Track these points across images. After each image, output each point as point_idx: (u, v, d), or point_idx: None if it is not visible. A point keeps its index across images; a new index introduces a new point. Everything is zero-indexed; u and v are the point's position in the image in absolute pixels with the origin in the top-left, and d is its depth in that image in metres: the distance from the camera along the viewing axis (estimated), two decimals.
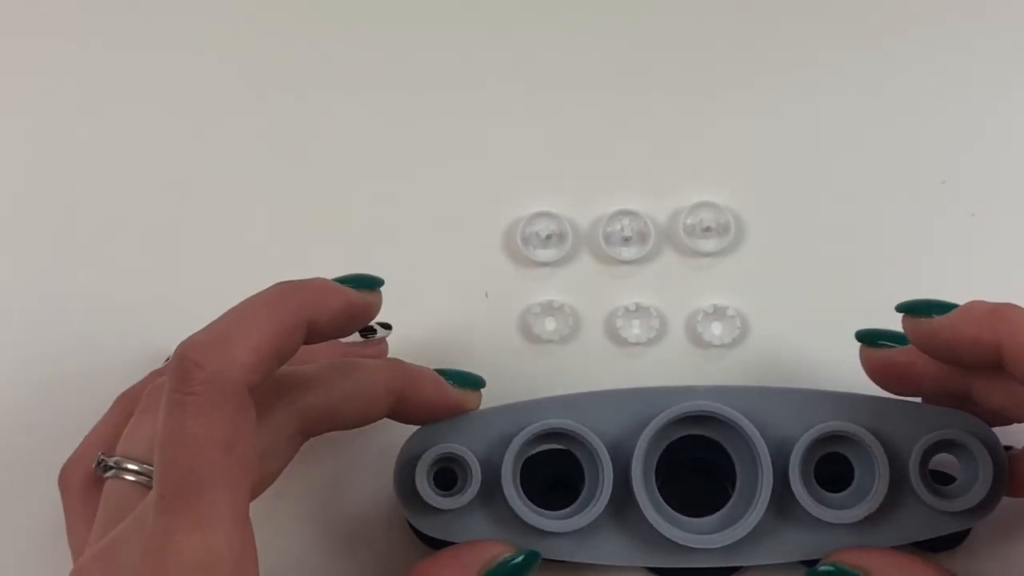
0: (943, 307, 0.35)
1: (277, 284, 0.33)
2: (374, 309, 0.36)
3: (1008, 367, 0.33)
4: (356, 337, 0.41)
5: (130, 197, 0.47)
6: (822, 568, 0.37)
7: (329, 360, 0.36)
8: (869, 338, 0.37)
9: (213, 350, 0.30)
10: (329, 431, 0.36)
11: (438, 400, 0.38)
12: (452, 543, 0.40)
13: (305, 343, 0.33)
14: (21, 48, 0.49)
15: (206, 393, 0.30)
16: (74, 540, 0.37)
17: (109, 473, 0.34)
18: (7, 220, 0.47)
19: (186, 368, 0.30)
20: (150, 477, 0.33)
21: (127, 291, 0.46)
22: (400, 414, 0.37)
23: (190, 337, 0.31)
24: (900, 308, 0.37)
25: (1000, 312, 0.33)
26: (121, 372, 0.42)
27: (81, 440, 0.39)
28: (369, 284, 0.36)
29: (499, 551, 0.36)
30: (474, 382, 0.39)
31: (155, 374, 0.40)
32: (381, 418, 0.37)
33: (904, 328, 0.36)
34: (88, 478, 0.38)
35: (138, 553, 0.30)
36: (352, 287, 0.35)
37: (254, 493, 0.34)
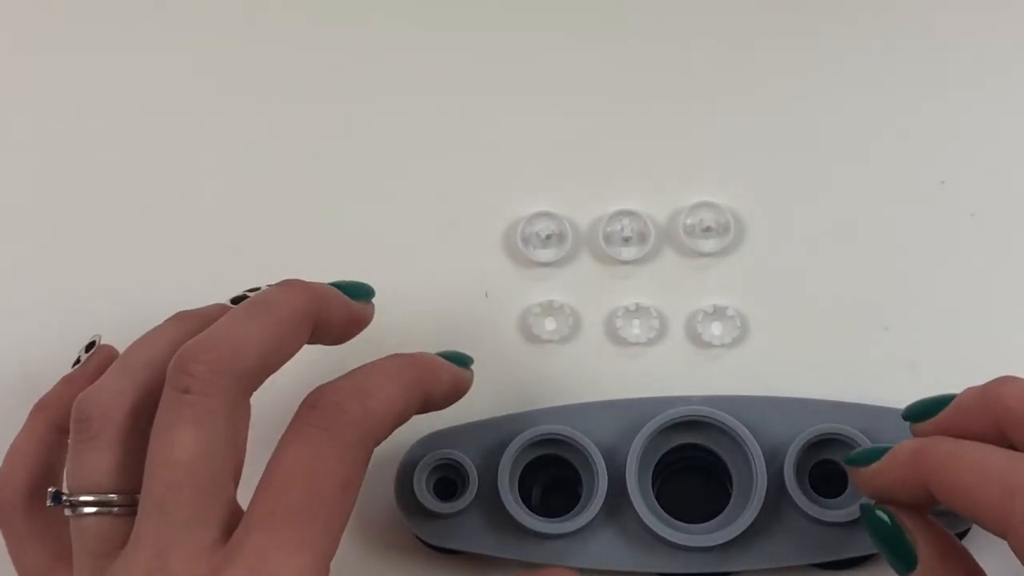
0: (878, 453, 0.35)
1: (407, 356, 0.36)
2: (466, 383, 0.38)
3: (943, 504, 0.33)
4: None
5: (125, 197, 0.47)
6: (880, 511, 0.35)
7: (241, 307, 0.34)
8: (849, 462, 0.37)
9: (355, 397, 0.32)
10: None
11: (347, 317, 0.37)
12: (452, 550, 0.40)
13: (419, 412, 0.36)
14: (21, 47, 0.49)
15: (347, 432, 0.32)
16: (24, 563, 0.36)
17: (72, 511, 0.33)
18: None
19: (327, 407, 0.32)
20: (112, 507, 0.32)
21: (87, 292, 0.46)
22: (314, 340, 0.36)
23: (332, 381, 0.33)
24: (845, 460, 0.37)
25: (923, 452, 0.33)
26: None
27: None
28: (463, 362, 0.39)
29: None
30: (366, 291, 0.38)
31: (67, 380, 0.39)
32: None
33: (850, 478, 0.37)
34: (26, 498, 0.37)
35: (202, 566, 0.30)
36: (453, 363, 0.38)
37: None
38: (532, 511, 0.40)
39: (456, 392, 0.37)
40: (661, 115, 0.47)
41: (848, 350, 0.45)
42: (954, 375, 0.42)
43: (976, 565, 0.33)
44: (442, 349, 0.38)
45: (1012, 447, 0.33)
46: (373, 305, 0.38)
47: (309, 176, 0.47)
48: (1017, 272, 0.45)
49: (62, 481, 0.38)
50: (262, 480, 0.31)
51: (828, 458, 0.40)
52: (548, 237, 0.46)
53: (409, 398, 0.34)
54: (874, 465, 0.35)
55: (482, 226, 0.46)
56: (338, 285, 0.37)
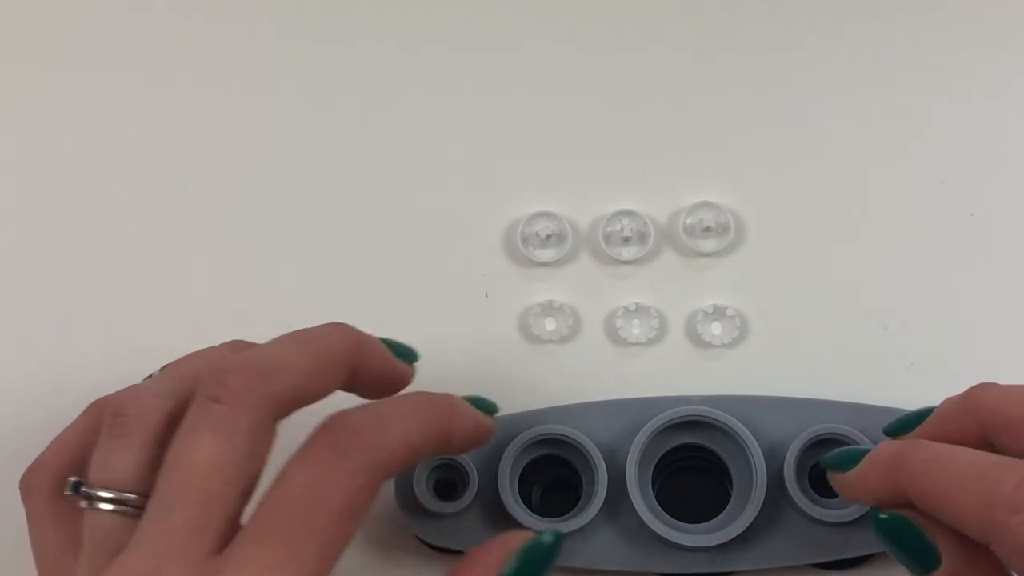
0: (857, 455, 0.35)
1: (431, 395, 0.35)
2: (489, 432, 0.38)
3: (923, 510, 0.33)
4: None
5: (125, 200, 0.47)
6: (892, 515, 0.34)
7: (287, 336, 0.35)
8: (827, 466, 0.37)
9: (371, 426, 0.32)
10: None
11: (386, 371, 0.37)
12: (452, 550, 0.40)
13: (435, 453, 0.36)
14: (21, 46, 0.49)
15: (358, 459, 0.31)
16: (41, 550, 0.36)
17: (88, 504, 0.33)
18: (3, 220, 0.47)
19: (341, 431, 0.32)
20: (127, 506, 0.32)
21: (110, 295, 0.46)
22: (350, 385, 0.36)
23: (350, 409, 0.33)
24: (822, 464, 0.37)
25: (902, 456, 0.33)
26: (94, 377, 0.42)
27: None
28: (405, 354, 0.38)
29: (523, 537, 0.36)
30: (410, 354, 0.38)
31: (133, 389, 0.38)
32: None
33: (832, 484, 0.37)
34: (55, 486, 0.37)
35: (193, 572, 0.30)
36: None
37: None
38: (532, 511, 0.40)
39: (477, 439, 0.37)
40: (661, 115, 0.47)
41: (848, 350, 0.45)
42: (954, 375, 0.42)
43: (998, 560, 0.33)
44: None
45: (995, 451, 0.33)
46: (414, 369, 0.38)
47: (309, 176, 0.47)
48: (1017, 272, 0.45)
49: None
50: (264, 496, 0.31)
51: None
52: (548, 237, 0.46)
53: (427, 435, 0.34)
54: (854, 471, 0.35)
55: (482, 226, 0.46)
56: (385, 341, 0.37)
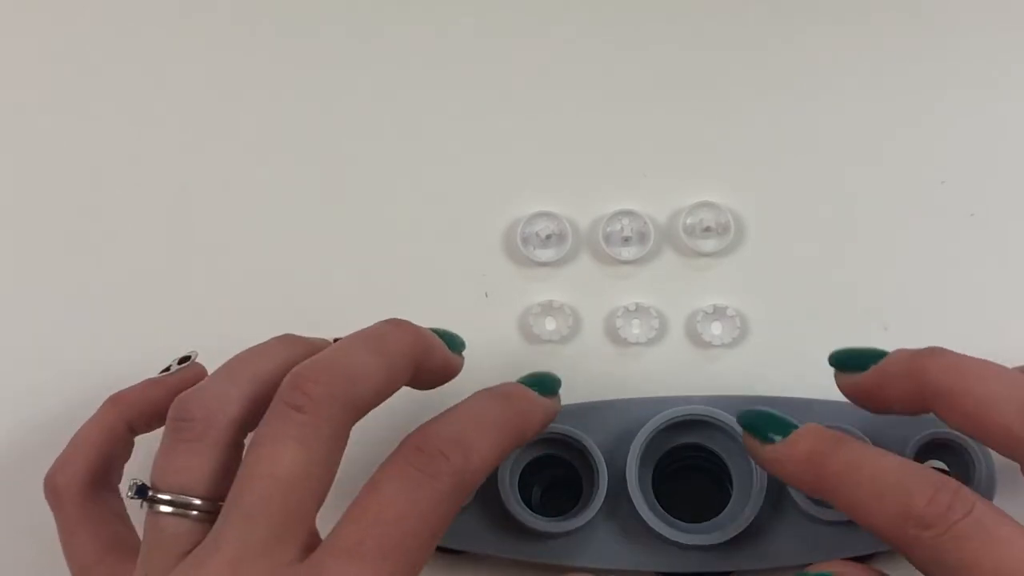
0: (868, 357, 0.35)
1: (506, 399, 0.35)
2: (554, 414, 0.38)
3: (936, 415, 0.33)
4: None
5: (130, 198, 0.47)
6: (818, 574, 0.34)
7: (357, 339, 0.35)
8: (838, 363, 0.36)
9: (458, 447, 0.32)
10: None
11: (444, 364, 0.37)
12: (452, 550, 0.40)
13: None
14: (20, 45, 0.49)
15: (448, 482, 0.32)
16: (75, 550, 0.36)
17: (150, 506, 0.33)
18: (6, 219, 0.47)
19: (432, 452, 0.32)
20: (194, 510, 0.32)
21: (121, 294, 0.46)
22: (413, 382, 0.36)
23: (433, 424, 0.33)
24: (831, 361, 0.37)
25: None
26: (108, 377, 0.42)
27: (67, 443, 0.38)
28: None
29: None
30: (460, 344, 0.39)
31: (151, 383, 0.39)
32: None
33: (836, 382, 0.36)
34: (85, 486, 0.37)
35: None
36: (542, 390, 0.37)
37: None
38: (533, 510, 0.40)
39: (546, 426, 0.37)
40: (661, 115, 0.48)
41: None
42: None
43: None
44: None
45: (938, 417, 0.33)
46: (463, 359, 0.38)
47: (309, 176, 0.47)
48: (1016, 272, 0.45)
49: (120, 475, 0.39)
50: (355, 507, 0.31)
51: None
52: (548, 237, 0.46)
53: (505, 448, 0.34)
54: (867, 374, 0.34)
55: (482, 226, 0.46)
56: (436, 332, 0.37)
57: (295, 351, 0.35)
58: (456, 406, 0.35)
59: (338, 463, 0.32)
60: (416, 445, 0.32)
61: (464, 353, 0.39)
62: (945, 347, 0.33)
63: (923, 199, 0.46)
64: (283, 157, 0.48)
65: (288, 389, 0.32)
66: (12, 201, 0.48)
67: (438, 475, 0.32)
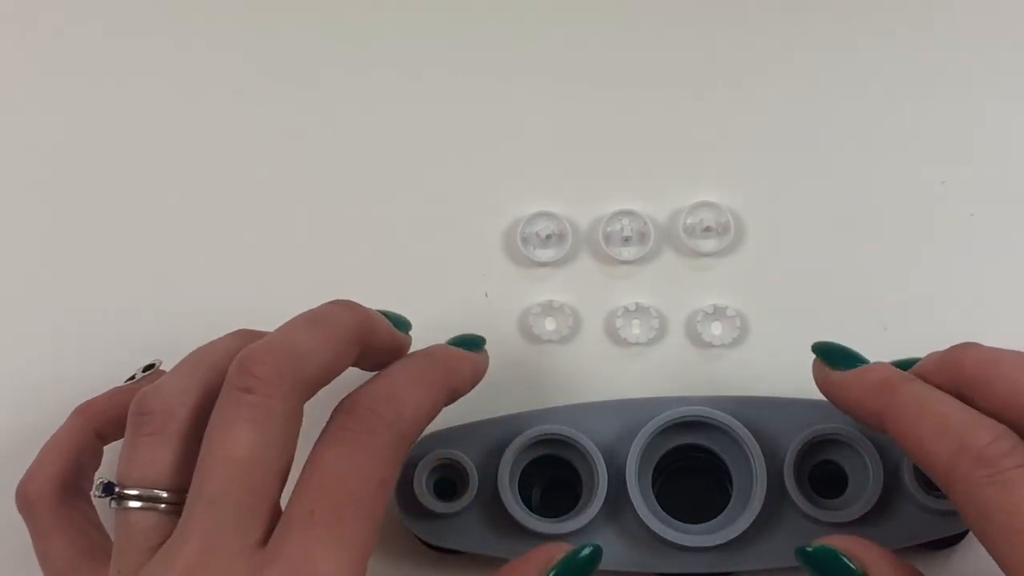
0: (850, 360, 0.36)
1: (429, 356, 0.37)
2: (484, 367, 0.40)
3: (893, 438, 0.34)
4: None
5: (112, 207, 0.47)
6: (819, 547, 0.35)
7: (300, 319, 0.35)
8: (818, 352, 0.37)
9: (388, 403, 0.33)
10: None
11: (390, 343, 0.37)
12: (452, 550, 0.40)
13: (446, 405, 0.37)
14: (21, 44, 0.49)
15: (383, 436, 0.33)
16: (50, 558, 0.36)
17: (118, 503, 0.33)
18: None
19: (362, 412, 0.33)
20: (161, 503, 0.33)
21: (92, 306, 0.46)
22: (362, 361, 0.37)
23: (361, 388, 0.34)
24: (814, 348, 0.37)
25: (892, 386, 0.34)
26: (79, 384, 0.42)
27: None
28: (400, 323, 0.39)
29: (562, 549, 0.36)
30: (405, 324, 0.39)
31: (118, 391, 0.40)
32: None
33: (812, 369, 0.37)
34: (57, 494, 0.37)
35: (244, 564, 0.31)
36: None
37: None
38: (532, 511, 0.40)
39: (476, 379, 0.38)
40: (661, 115, 0.47)
41: None
42: None
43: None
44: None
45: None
46: (411, 338, 0.39)
47: (309, 178, 0.47)
48: (1017, 272, 0.45)
49: (91, 483, 0.39)
50: (299, 481, 0.32)
51: (828, 458, 0.40)
52: (548, 237, 0.46)
53: (437, 399, 0.35)
54: (842, 374, 0.36)
55: (482, 226, 0.46)
56: (382, 312, 0.38)
57: (248, 341, 0.35)
58: (382, 371, 0.35)
59: (294, 442, 0.33)
60: (346, 410, 0.33)
61: (474, 335, 0.39)
62: (976, 341, 0.34)
63: (923, 199, 0.46)
64: (282, 157, 0.48)
65: (236, 372, 0.32)
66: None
67: (372, 431, 0.32)
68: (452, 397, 0.36)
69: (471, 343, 0.39)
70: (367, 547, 0.31)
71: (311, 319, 0.35)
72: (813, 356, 0.37)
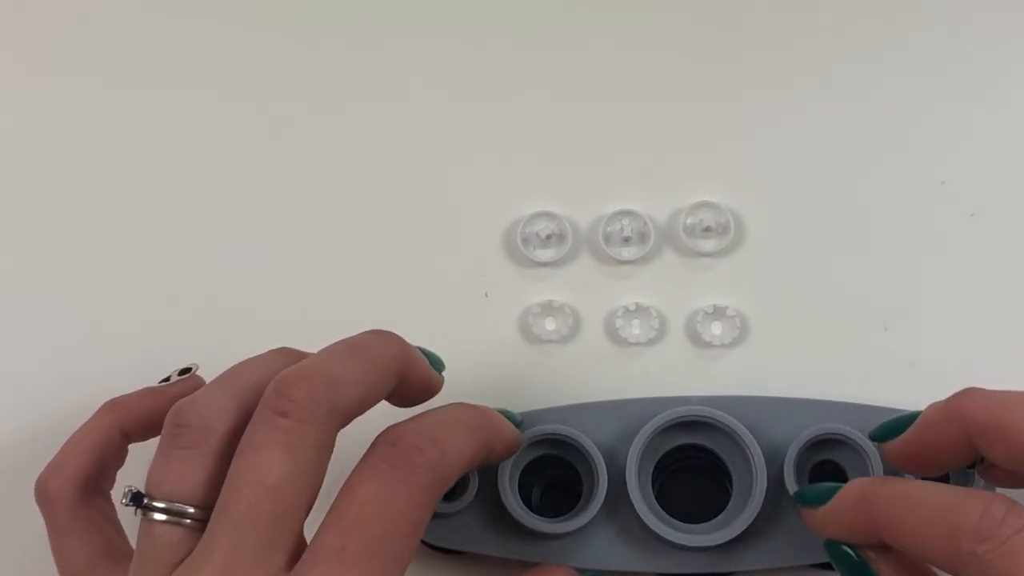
0: (826, 492, 0.35)
1: (477, 408, 0.36)
2: (520, 442, 0.40)
3: (984, 452, 0.33)
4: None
5: (131, 202, 0.48)
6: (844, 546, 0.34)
7: (341, 347, 0.35)
8: (797, 500, 0.37)
9: (433, 443, 0.33)
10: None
11: (426, 379, 0.37)
12: (452, 550, 0.40)
13: (480, 465, 0.37)
14: (21, 43, 0.50)
15: (424, 476, 0.32)
16: (66, 556, 0.36)
17: (144, 513, 0.33)
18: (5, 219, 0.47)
19: (406, 447, 0.32)
20: (187, 518, 0.32)
21: (120, 300, 0.46)
22: (396, 397, 0.36)
23: (406, 422, 0.33)
24: (794, 498, 0.37)
25: (867, 494, 0.33)
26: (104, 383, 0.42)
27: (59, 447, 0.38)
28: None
29: (564, 572, 0.36)
30: (440, 363, 0.39)
31: (149, 391, 0.39)
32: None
33: (803, 519, 0.36)
34: (76, 489, 0.37)
35: None
36: None
37: None
38: (532, 511, 0.40)
39: (511, 450, 0.38)
40: (661, 115, 0.48)
41: (848, 350, 0.45)
42: (954, 375, 0.42)
43: None
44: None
45: (981, 456, 0.33)
46: (443, 378, 0.38)
47: (309, 178, 0.47)
48: (1017, 272, 0.45)
49: (112, 481, 0.38)
50: (333, 512, 0.31)
51: (828, 458, 0.40)
52: (548, 237, 0.46)
53: (477, 450, 0.35)
54: (824, 509, 0.35)
55: (482, 226, 0.46)
56: (420, 350, 0.37)
57: (289, 361, 0.35)
58: (428, 410, 0.35)
59: (325, 470, 0.32)
60: (389, 441, 0.32)
61: (464, 353, 0.39)
62: (976, 386, 0.34)
63: (923, 199, 0.46)
64: (283, 159, 0.48)
65: (273, 395, 0.32)
66: (9, 204, 0.48)
67: (413, 469, 0.32)
68: (488, 456, 0.36)
69: (511, 418, 0.39)
70: None
71: (352, 347, 0.34)
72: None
